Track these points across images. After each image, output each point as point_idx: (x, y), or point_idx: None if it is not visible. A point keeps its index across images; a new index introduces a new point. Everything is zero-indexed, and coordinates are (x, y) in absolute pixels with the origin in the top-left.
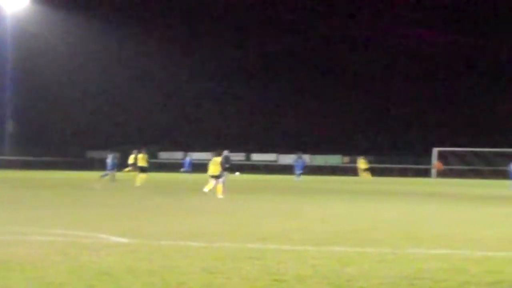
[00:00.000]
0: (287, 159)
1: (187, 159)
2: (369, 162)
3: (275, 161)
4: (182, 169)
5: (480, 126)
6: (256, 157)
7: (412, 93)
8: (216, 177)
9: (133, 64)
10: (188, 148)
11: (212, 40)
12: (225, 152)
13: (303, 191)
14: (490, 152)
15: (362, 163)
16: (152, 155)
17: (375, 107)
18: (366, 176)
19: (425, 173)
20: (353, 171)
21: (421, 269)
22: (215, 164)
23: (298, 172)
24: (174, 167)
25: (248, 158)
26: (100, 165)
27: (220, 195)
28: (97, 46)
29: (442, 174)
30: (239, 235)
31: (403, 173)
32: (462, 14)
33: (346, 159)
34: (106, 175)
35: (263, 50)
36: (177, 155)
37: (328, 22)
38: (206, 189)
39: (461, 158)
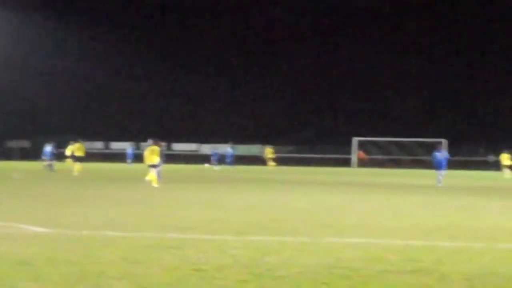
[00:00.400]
0: (207, 149)
1: (130, 149)
2: (275, 151)
3: (196, 150)
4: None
5: (399, 116)
6: (177, 146)
7: (333, 83)
8: (154, 166)
9: (49, 55)
10: (108, 137)
11: (122, 32)
12: (149, 141)
13: (223, 181)
14: (409, 141)
15: (268, 152)
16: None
17: (296, 97)
18: (272, 165)
19: (346, 163)
20: (275, 161)
21: (340, 258)
22: (153, 153)
23: (229, 160)
24: (94, 156)
25: (168, 148)
26: (19, 155)
27: (155, 184)
28: (15, 36)
29: (362, 163)
30: (159, 225)
31: (323, 162)
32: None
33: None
34: (50, 165)
35: (179, 40)
36: (97, 144)
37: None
38: (147, 178)
39: (381, 147)
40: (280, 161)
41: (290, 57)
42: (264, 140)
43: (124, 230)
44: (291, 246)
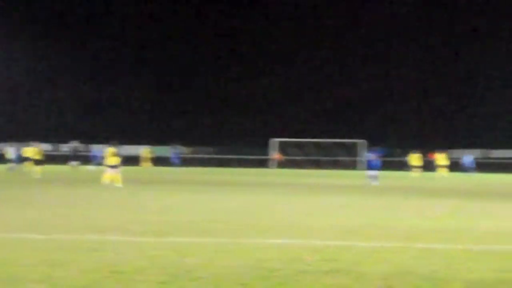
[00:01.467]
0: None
1: (97, 152)
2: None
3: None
4: (93, 163)
5: (319, 116)
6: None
7: (250, 84)
8: (114, 166)
9: None
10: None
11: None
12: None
13: (141, 182)
14: (328, 142)
15: (146, 153)
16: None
17: (211, 97)
18: (147, 165)
19: (264, 164)
20: (196, 162)
21: (259, 258)
22: (112, 154)
23: (176, 162)
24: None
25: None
26: None
27: (119, 184)
28: None
29: (281, 164)
30: (77, 227)
31: (241, 163)
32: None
33: (189, 150)
34: (13, 168)
35: (104, 41)
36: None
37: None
38: (106, 180)
39: (300, 148)
40: (198, 162)
41: (205, 57)
42: (183, 141)
43: (41, 232)
44: (211, 247)
